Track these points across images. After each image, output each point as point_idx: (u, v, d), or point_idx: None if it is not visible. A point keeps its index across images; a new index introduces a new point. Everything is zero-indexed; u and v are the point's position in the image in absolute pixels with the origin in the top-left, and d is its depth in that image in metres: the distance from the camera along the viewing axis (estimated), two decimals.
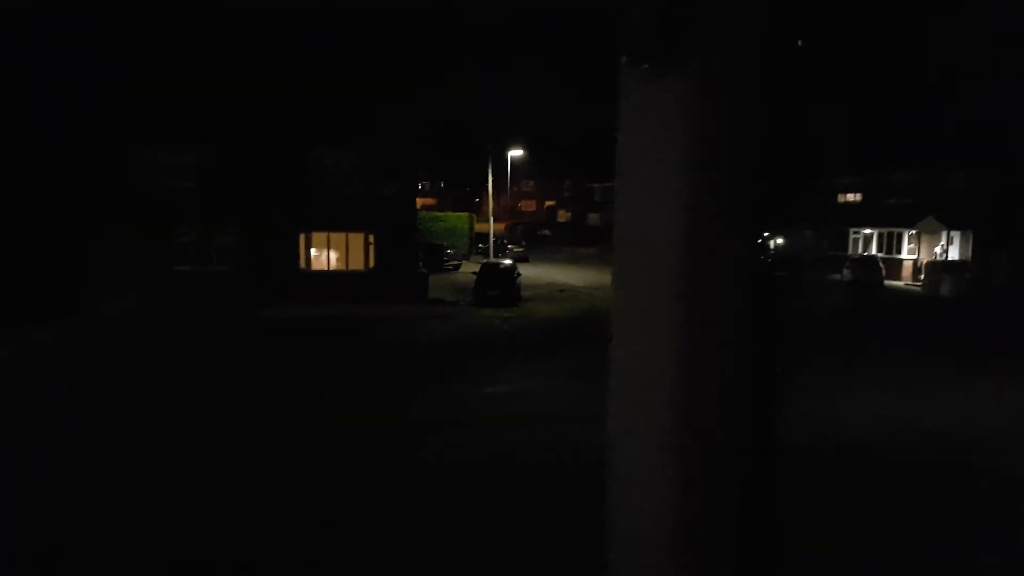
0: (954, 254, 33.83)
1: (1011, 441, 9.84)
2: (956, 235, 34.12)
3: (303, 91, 23.60)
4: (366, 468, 9.01)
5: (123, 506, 7.63)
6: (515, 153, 45.93)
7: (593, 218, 69.05)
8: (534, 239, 58.00)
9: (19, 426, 10.88)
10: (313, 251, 25.45)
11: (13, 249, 21.18)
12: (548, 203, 76.66)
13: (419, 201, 38.07)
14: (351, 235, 25.46)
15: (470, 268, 34.80)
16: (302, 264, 25.26)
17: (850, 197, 42.92)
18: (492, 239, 39.64)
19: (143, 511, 7.52)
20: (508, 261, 31.03)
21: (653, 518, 1.19)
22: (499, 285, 25.94)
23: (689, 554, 1.17)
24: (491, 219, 39.48)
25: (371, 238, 25.49)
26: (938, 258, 33.89)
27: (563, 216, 74.24)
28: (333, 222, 24.93)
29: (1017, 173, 29.90)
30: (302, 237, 25.12)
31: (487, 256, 38.30)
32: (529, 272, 34.72)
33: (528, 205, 77.24)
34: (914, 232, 36.09)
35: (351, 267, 25.52)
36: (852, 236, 41.44)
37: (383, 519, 7.34)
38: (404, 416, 11.75)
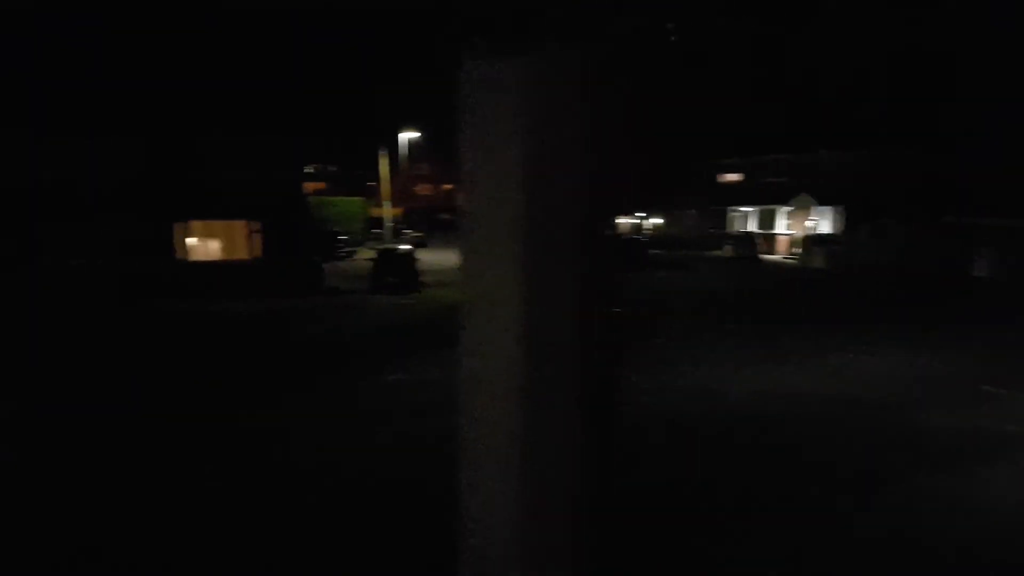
0: (825, 228, 36.37)
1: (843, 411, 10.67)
2: (827, 210, 36.67)
3: (178, 74, 22.16)
4: (229, 475, 8.64)
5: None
6: (410, 135, 45.15)
7: None
8: (432, 223, 57.48)
9: None
10: (194, 241, 24.07)
11: None
12: (445, 186, 76.10)
13: (308, 185, 36.82)
14: (234, 223, 24.24)
15: (366, 255, 34.05)
16: (181, 255, 23.85)
17: (730, 177, 45.20)
18: (388, 224, 38.89)
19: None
20: (406, 247, 30.47)
21: (500, 508, 1.17)
22: (397, 272, 25.40)
23: (534, 537, 1.16)
24: (387, 203, 38.69)
25: (257, 226, 24.38)
26: (810, 232, 36.33)
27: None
28: (214, 209, 23.64)
29: (881, 152, 32.35)
30: (179, 226, 23.69)
31: (383, 242, 37.57)
32: (428, 257, 34.35)
33: (424, 189, 76.38)
34: (788, 209, 38.49)
35: (236, 257, 24.32)
36: (732, 214, 43.72)
37: (262, 525, 7.06)
38: (301, 412, 11.30)
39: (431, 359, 15.37)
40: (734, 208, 43.33)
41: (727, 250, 35.96)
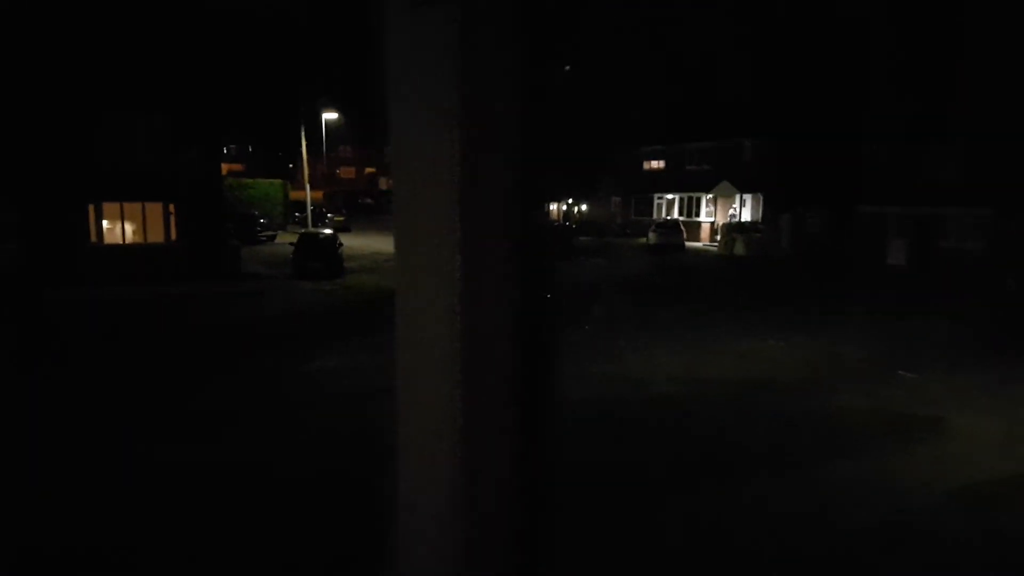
0: (747, 216, 37.42)
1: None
2: (748, 198, 37.72)
3: (87, 49, 20.67)
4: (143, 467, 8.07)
5: None
6: (330, 116, 43.85)
7: None
8: (355, 207, 56.23)
9: None
10: (105, 224, 22.60)
11: None
12: (368, 170, 74.54)
13: (225, 167, 35.21)
14: (148, 205, 22.87)
15: (287, 239, 32.96)
16: (92, 238, 22.36)
17: (655, 164, 45.91)
18: (310, 207, 37.63)
19: None
20: (328, 231, 29.66)
21: (436, 496, 1.19)
22: (319, 256, 24.80)
23: (471, 523, 1.18)
24: (307, 186, 37.38)
25: (172, 208, 23.12)
26: (731, 220, 37.31)
27: (385, 184, 72.55)
28: (127, 191, 22.23)
29: (800, 141, 33.36)
30: (91, 208, 22.20)
31: (305, 226, 36.39)
32: (351, 242, 33.54)
33: (347, 172, 74.59)
34: (711, 196, 39.40)
35: (150, 240, 23.03)
36: (656, 201, 44.47)
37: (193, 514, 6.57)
38: (226, 400, 10.71)
39: (355, 346, 14.98)
40: (659, 195, 44.05)
41: (652, 237, 36.56)
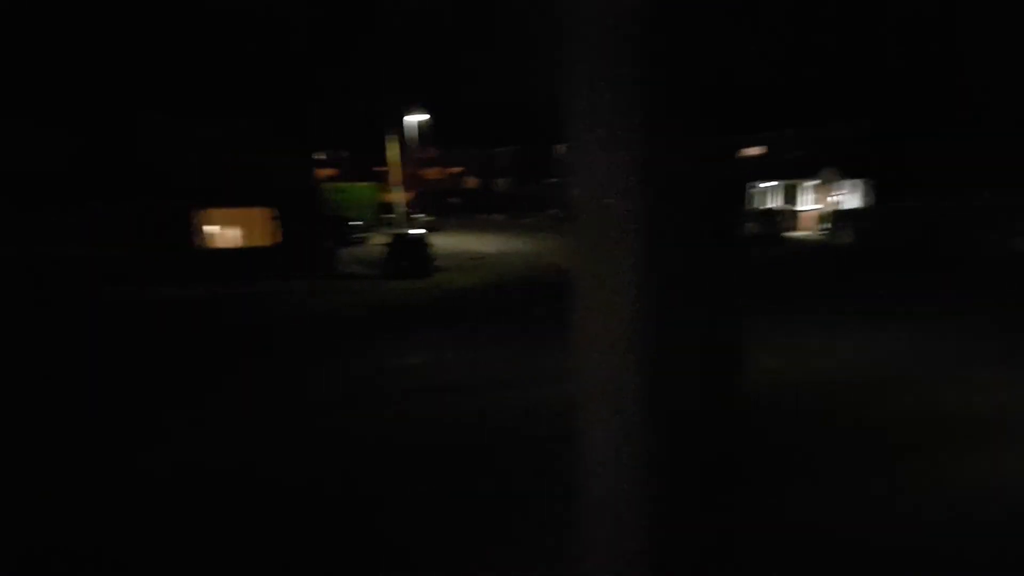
0: (852, 204, 35.23)
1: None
2: (852, 184, 35.51)
3: (190, 63, 21.66)
4: (253, 453, 8.09)
5: None
6: (417, 119, 44.34)
7: (501, 184, 68.40)
8: (442, 207, 56.87)
9: None
10: (214, 228, 23.57)
11: None
12: (454, 170, 75.32)
13: (321, 172, 36.16)
14: (252, 210, 23.84)
15: (378, 240, 33.62)
16: (200, 242, 23.37)
17: (751, 151, 44.02)
18: (399, 209, 38.17)
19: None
20: (418, 231, 30.07)
21: (622, 516, 1.16)
22: (409, 256, 25.26)
23: (657, 547, 1.14)
24: (397, 188, 37.94)
25: (274, 212, 23.95)
26: (835, 208, 35.21)
27: (470, 183, 73.13)
28: (232, 197, 23.23)
29: (906, 123, 31.19)
30: (199, 214, 23.21)
31: (395, 227, 36.98)
32: (440, 241, 33.88)
33: (434, 173, 75.63)
34: (813, 183, 37.36)
35: (254, 243, 23.93)
36: (753, 190, 42.62)
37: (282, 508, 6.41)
38: (319, 392, 10.80)
39: (441, 342, 15.04)
40: (754, 184, 42.21)
41: (749, 227, 34.95)
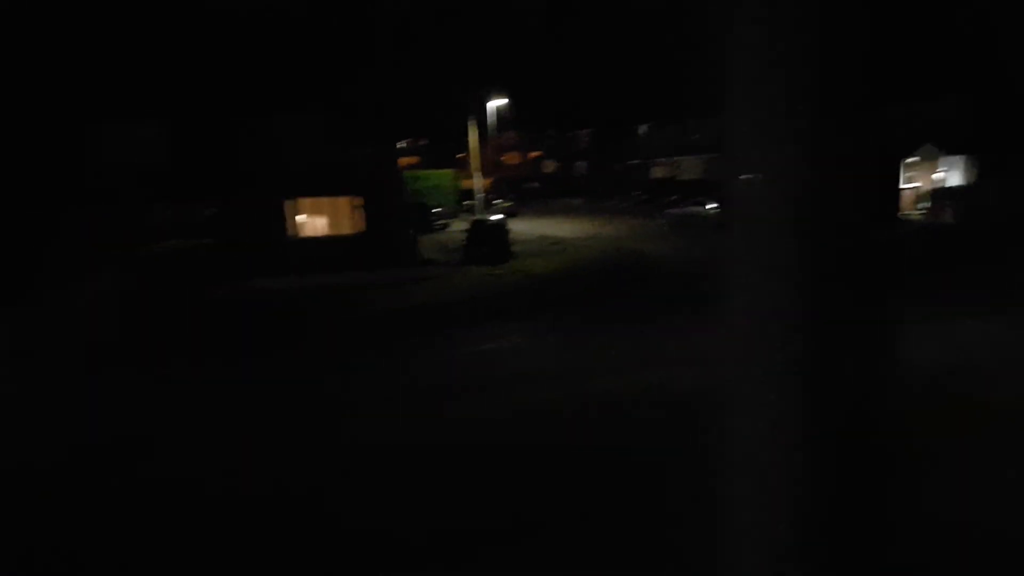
0: (954, 180, 33.12)
1: None
2: (955, 161, 33.35)
3: (273, 56, 22.46)
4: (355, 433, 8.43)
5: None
6: (496, 104, 44.46)
7: (580, 167, 67.80)
8: (521, 192, 56.92)
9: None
10: (301, 218, 24.40)
11: None
12: (533, 154, 75.18)
13: (402, 160, 36.84)
14: (338, 200, 24.50)
15: (458, 226, 34.02)
16: (290, 232, 24.24)
17: None
18: (479, 195, 38.48)
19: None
20: (497, 217, 30.25)
21: (774, 513, 1.16)
22: (489, 242, 25.45)
23: (811, 549, 1.14)
24: (476, 175, 38.24)
25: (358, 201, 24.56)
26: (938, 186, 33.19)
27: (549, 167, 72.84)
28: (319, 187, 23.95)
29: (1009, 98, 29.01)
30: (288, 204, 24.05)
31: (474, 213, 37.31)
32: (518, 227, 33.96)
33: (512, 157, 75.72)
34: (912, 160, 35.31)
35: (340, 232, 24.62)
36: None
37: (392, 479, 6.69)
38: (405, 381, 11.12)
39: (518, 328, 15.18)
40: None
41: None
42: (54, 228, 21.60)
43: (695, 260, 23.77)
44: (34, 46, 21.06)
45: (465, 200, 44.08)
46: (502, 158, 73.42)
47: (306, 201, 24.27)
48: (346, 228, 24.60)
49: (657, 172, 54.84)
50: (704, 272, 21.18)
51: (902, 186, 36.02)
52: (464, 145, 44.99)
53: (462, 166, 58.76)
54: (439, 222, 37.02)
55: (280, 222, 23.88)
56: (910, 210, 34.10)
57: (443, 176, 45.22)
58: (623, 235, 31.75)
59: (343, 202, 24.49)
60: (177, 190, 22.46)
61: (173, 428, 9.68)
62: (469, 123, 36.96)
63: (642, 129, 56.62)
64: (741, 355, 1.18)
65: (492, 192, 51.94)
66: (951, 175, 33.39)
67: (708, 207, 31.97)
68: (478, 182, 38.42)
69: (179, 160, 22.45)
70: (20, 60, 20.69)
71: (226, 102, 22.71)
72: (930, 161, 34.36)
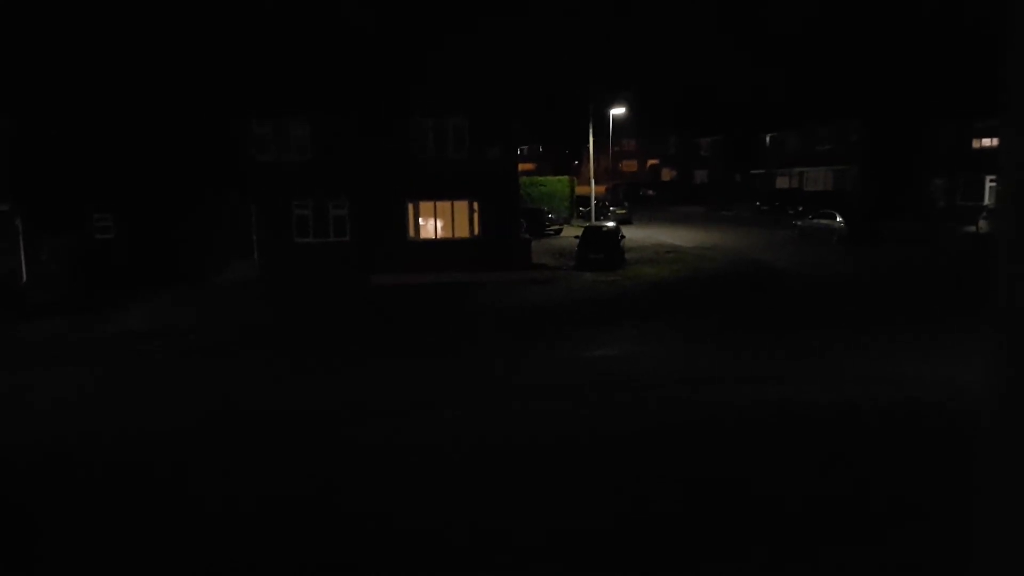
0: None
1: None
2: None
3: (405, 60, 23.79)
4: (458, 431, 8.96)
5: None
6: (615, 111, 44.52)
7: (700, 176, 66.41)
8: (637, 199, 56.46)
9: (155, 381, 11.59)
10: (421, 220, 25.61)
11: (146, 225, 22.61)
12: (651, 161, 74.36)
13: (519, 166, 37.61)
14: (456, 203, 25.49)
15: (572, 232, 34.34)
16: (411, 233, 25.47)
17: (988, 142, 38.99)
18: (594, 201, 38.74)
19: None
20: (611, 223, 30.32)
21: None
22: (602, 248, 25.57)
23: None
24: (592, 181, 38.55)
25: (475, 205, 25.44)
26: None
27: (667, 175, 71.81)
28: (439, 190, 25.05)
29: None
30: (410, 206, 25.30)
31: (588, 219, 37.55)
32: (633, 234, 33.83)
33: (630, 165, 75.22)
34: None
35: (457, 235, 25.61)
36: (990, 184, 37.74)
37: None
38: (508, 380, 11.59)
39: (628, 335, 15.20)
40: (995, 177, 37.30)
41: (983, 225, 31.11)
42: (216, 219, 23.88)
43: (823, 274, 22.91)
44: (206, 55, 23.30)
45: (580, 207, 44.37)
46: (619, 165, 73.09)
47: (428, 204, 25.42)
48: (463, 231, 25.54)
49: (781, 182, 52.89)
50: (833, 286, 20.42)
51: None
52: (581, 152, 45.34)
53: (578, 173, 59.10)
54: (552, 228, 37.49)
55: (402, 223, 25.13)
56: None
57: (559, 183, 45.73)
58: (743, 245, 30.99)
59: (462, 206, 25.46)
60: (316, 188, 24.20)
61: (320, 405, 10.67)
62: (587, 130, 37.31)
63: (768, 138, 54.79)
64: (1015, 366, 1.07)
65: (607, 199, 51.92)
66: None
67: (837, 220, 30.57)
68: (594, 189, 38.70)
69: (318, 160, 24.15)
70: (194, 68, 23.01)
71: (368, 105, 24.13)
72: None
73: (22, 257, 21.09)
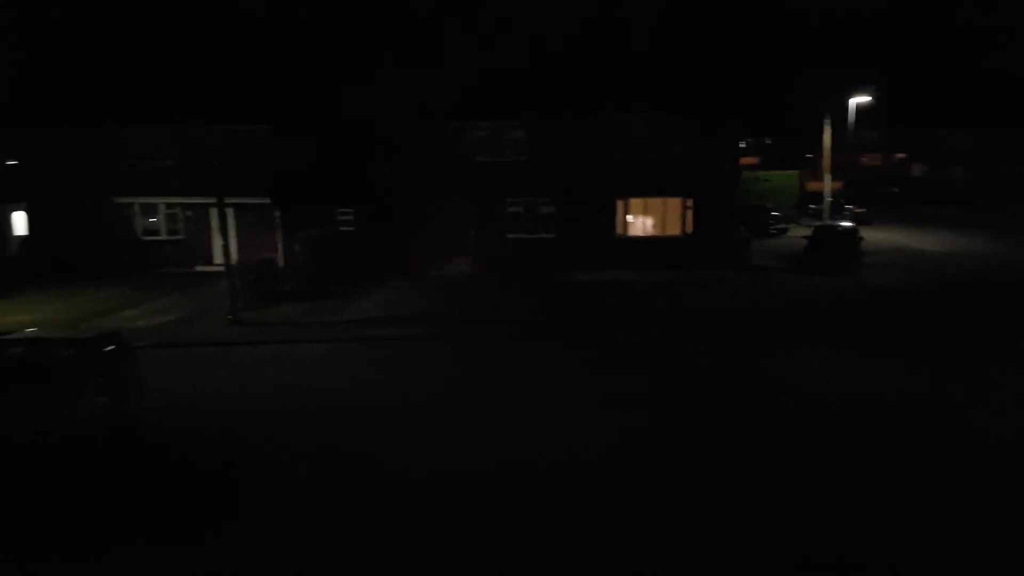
0: None
1: None
2: None
3: (614, 58, 23.64)
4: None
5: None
6: (859, 100, 40.29)
7: (955, 172, 58.25)
8: (878, 197, 50.96)
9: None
10: (629, 217, 25.24)
11: (379, 221, 24.78)
12: (898, 156, 66.55)
13: (742, 160, 35.60)
14: (668, 200, 24.87)
15: (800, 232, 31.88)
16: (618, 230, 25.23)
17: None
18: (827, 199, 35.42)
19: None
20: (846, 224, 27.56)
21: None
22: (833, 250, 23.48)
23: None
24: (826, 176, 35.20)
25: (689, 203, 24.62)
26: None
27: (916, 170, 63.83)
28: (649, 188, 24.60)
29: None
30: (619, 204, 25.08)
31: (819, 218, 34.47)
32: (871, 235, 30.57)
33: (871, 159, 67.92)
34: None
35: (667, 232, 24.97)
36: None
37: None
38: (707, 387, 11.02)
39: (851, 345, 13.78)
40: None
41: None
42: (437, 216, 25.52)
43: None
44: (437, 68, 24.91)
45: (810, 204, 40.98)
46: (859, 159, 66.32)
47: (637, 201, 24.98)
48: (674, 228, 24.80)
49: None
50: None
51: None
52: (814, 144, 41.57)
53: (811, 167, 54.53)
54: (777, 226, 35.07)
55: (610, 220, 24.92)
56: None
57: (786, 177, 42.65)
58: (1003, 253, 26.69)
59: (674, 203, 24.72)
60: (528, 186, 24.83)
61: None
62: (824, 120, 34.21)
63: None
64: None
65: (843, 196, 47.36)
66: None
67: None
68: (827, 185, 35.33)
69: (529, 159, 24.73)
70: (424, 81, 24.70)
71: (581, 106, 24.33)
72: None
73: (279, 246, 24.05)
